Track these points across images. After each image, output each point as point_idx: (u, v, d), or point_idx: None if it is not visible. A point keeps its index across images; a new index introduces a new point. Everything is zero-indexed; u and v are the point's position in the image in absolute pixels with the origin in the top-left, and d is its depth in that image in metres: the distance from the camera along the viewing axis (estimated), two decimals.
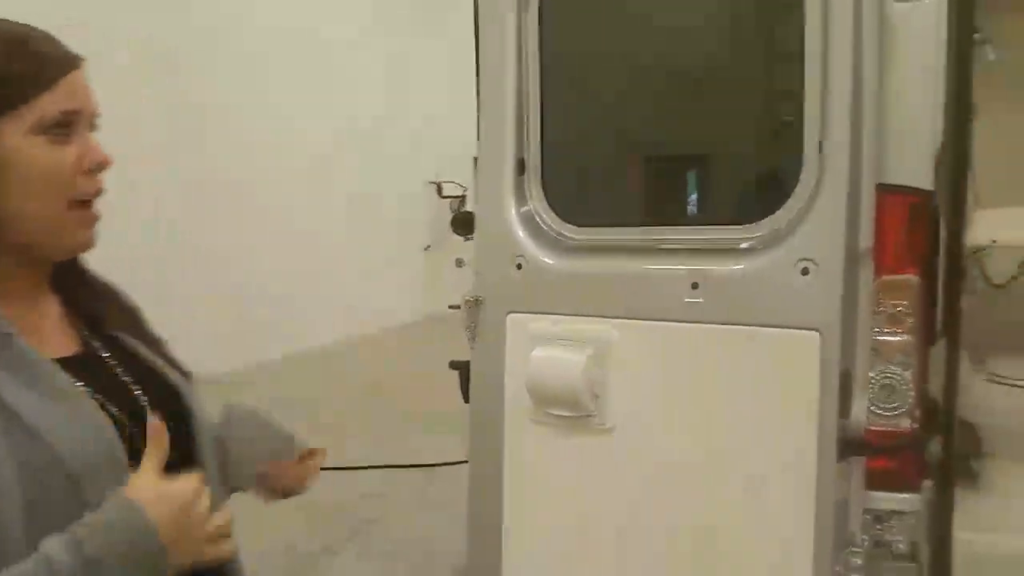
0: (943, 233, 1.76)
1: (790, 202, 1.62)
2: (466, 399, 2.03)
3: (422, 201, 9.07)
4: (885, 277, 1.73)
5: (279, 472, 1.16)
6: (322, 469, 1.20)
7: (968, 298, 2.51)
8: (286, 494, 1.19)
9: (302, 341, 6.93)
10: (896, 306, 1.73)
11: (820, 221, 1.58)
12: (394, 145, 8.49)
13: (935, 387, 1.78)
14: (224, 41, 6.33)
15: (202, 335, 5.16)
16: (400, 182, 8.67)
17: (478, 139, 2.02)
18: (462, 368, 2.01)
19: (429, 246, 9.09)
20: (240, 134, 6.41)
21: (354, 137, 7.85)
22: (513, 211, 1.95)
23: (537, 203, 1.95)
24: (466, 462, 2.04)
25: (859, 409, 1.62)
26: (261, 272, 6.62)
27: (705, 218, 1.80)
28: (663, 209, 1.89)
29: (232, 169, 6.32)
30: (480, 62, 2.03)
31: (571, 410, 1.80)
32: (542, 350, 1.83)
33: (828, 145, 1.57)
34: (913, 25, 1.66)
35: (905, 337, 1.72)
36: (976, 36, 2.49)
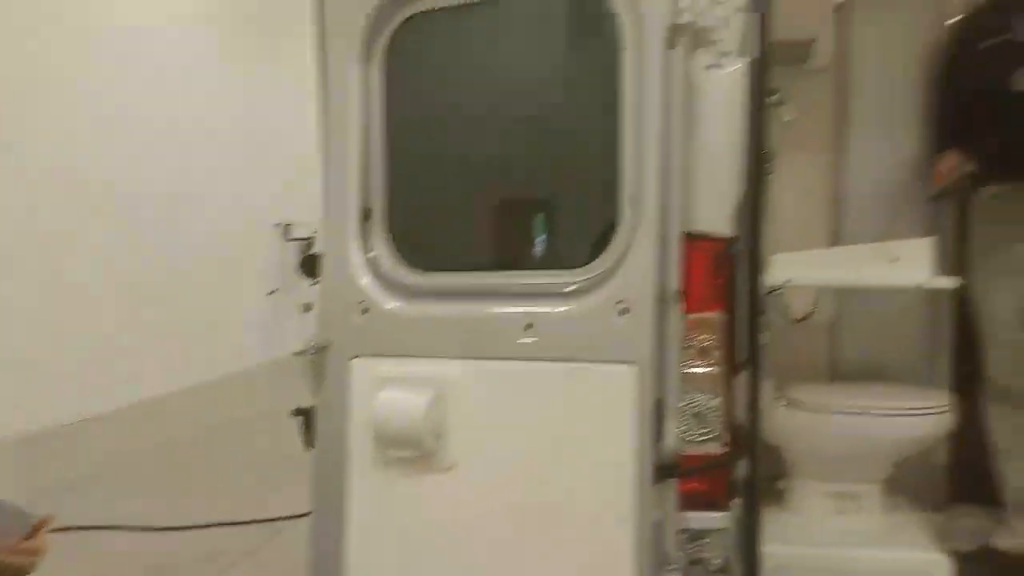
0: (744, 274, 1.99)
1: (610, 249, 1.79)
2: (308, 446, 2.06)
3: (267, 243, 8.86)
4: (694, 315, 1.93)
5: (5, 550, 1.07)
6: (156, 529, 1.13)
7: (769, 332, 2.80)
8: (16, 574, 1.09)
9: (136, 392, 6.58)
10: (704, 341, 1.93)
11: (635, 266, 1.75)
12: (238, 184, 8.27)
13: (741, 413, 1.99)
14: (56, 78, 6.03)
15: (27, 387, 4.83)
16: (244, 222, 8.44)
17: (323, 187, 2.08)
18: (305, 415, 2.04)
19: (275, 290, 8.87)
20: (69, 168, 6.09)
21: (195, 174, 7.58)
22: (358, 257, 2.02)
23: (381, 250, 2.02)
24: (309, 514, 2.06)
25: (672, 435, 1.79)
26: (94, 319, 6.26)
27: (538, 263, 1.94)
28: (500, 255, 2.01)
29: (53, 205, 5.97)
30: (324, 110, 2.10)
31: (414, 450, 1.87)
32: (386, 392, 1.89)
33: (641, 198, 1.74)
34: (717, 90, 1.88)
35: (713, 368, 1.93)
36: (773, 98, 2.82)
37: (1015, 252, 2.44)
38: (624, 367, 1.74)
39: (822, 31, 2.66)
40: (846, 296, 2.85)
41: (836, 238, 2.87)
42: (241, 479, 4.89)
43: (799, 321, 2.88)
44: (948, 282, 2.20)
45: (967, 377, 2.69)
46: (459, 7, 1.92)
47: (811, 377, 2.93)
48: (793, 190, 2.86)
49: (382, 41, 2.01)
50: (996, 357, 2.56)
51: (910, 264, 2.18)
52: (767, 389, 2.46)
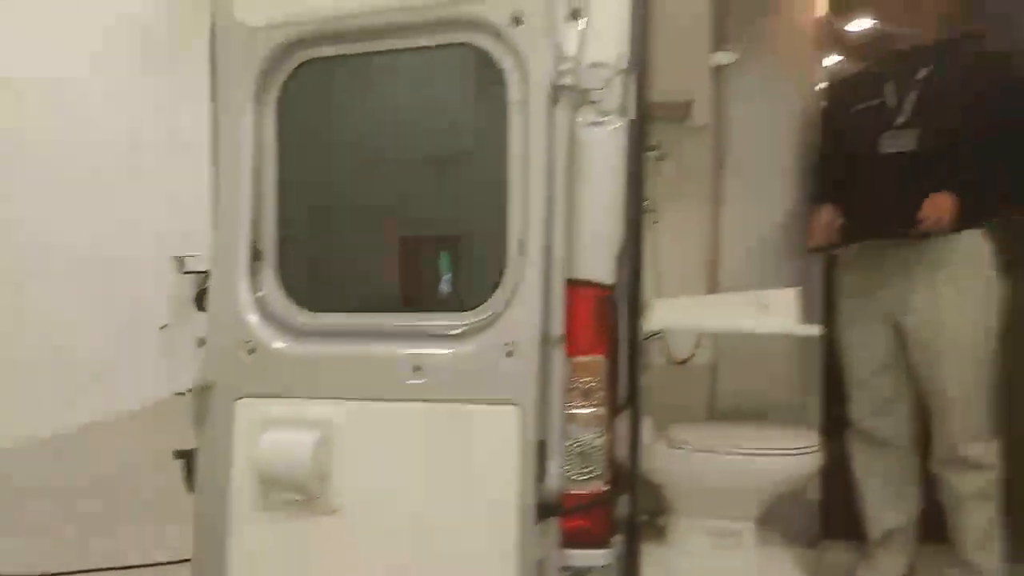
0: (625, 319, 2.09)
1: (497, 293, 1.85)
2: (191, 490, 2.02)
3: (161, 275, 8.57)
4: (577, 358, 2.01)
5: None
6: None
7: (649, 374, 2.93)
8: None
9: (20, 431, 6.21)
10: (587, 383, 2.02)
11: (521, 311, 1.82)
12: (130, 211, 7.97)
13: (622, 452, 2.07)
14: None
15: None
16: (137, 252, 8.14)
17: (213, 225, 2.08)
18: (187, 457, 2.01)
19: (167, 325, 8.58)
20: None
21: (83, 199, 7.28)
22: (246, 296, 2.01)
23: (271, 289, 2.03)
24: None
25: (555, 475, 1.85)
26: None
27: (427, 305, 1.99)
28: (390, 296, 2.05)
29: None
30: (216, 148, 2.10)
31: (299, 493, 1.87)
32: (271, 434, 1.89)
33: (527, 245, 1.82)
34: (598, 146, 1.99)
35: (595, 409, 2.01)
36: (656, 153, 2.99)
37: (875, 302, 2.63)
38: (509, 408, 1.80)
39: (701, 91, 2.84)
40: (725, 340, 3.00)
41: (715, 286, 3.03)
42: (127, 522, 4.69)
43: (681, 363, 3.02)
44: (812, 329, 2.36)
45: (836, 418, 2.87)
46: (355, 55, 1.97)
47: (692, 417, 3.06)
48: (676, 240, 3.02)
49: (277, 83, 2.04)
50: (858, 400, 2.75)
51: (778, 312, 2.33)
52: (649, 428, 2.57)
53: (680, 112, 2.75)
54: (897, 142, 2.51)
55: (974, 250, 2.46)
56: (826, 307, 2.93)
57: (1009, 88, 2.45)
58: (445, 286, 1.98)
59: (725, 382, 3.08)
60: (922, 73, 2.51)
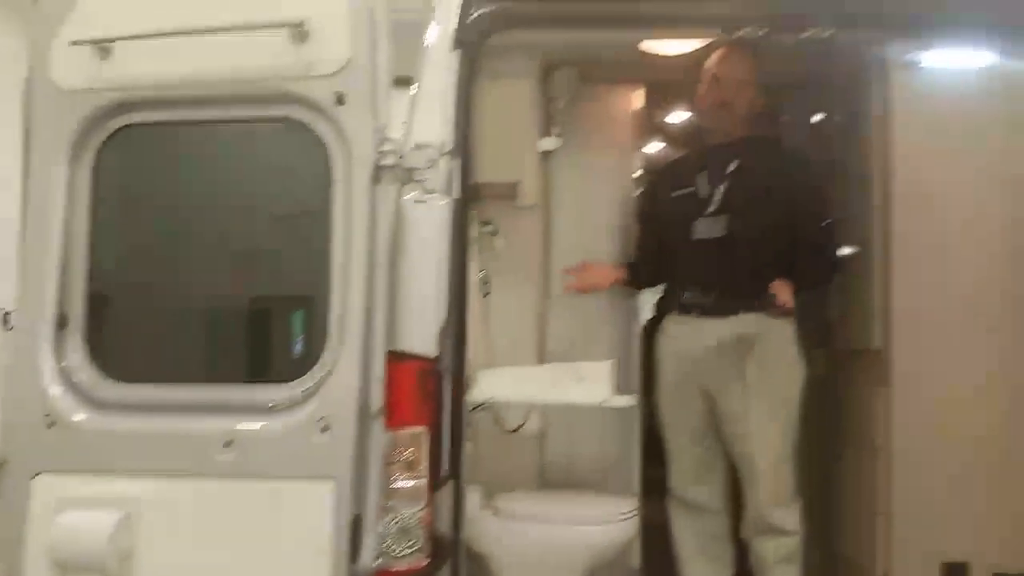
0: (449, 390, 2.13)
1: (316, 367, 1.85)
2: None
3: None
4: (399, 430, 2.02)
5: None
6: None
7: (472, 444, 2.97)
8: None
9: None
10: (410, 455, 2.03)
11: (338, 384, 1.82)
12: None
13: (445, 524, 2.09)
14: None
15: None
16: None
17: (17, 289, 1.97)
18: None
19: None
20: None
21: None
22: (48, 365, 1.91)
23: (77, 358, 1.93)
24: None
25: (371, 551, 1.84)
26: None
27: (241, 377, 1.95)
28: (202, 367, 2.00)
29: None
30: (26, 209, 2.01)
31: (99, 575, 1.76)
32: (68, 515, 1.78)
33: (347, 318, 1.84)
34: (423, 223, 2.04)
35: (417, 482, 2.02)
36: (487, 229, 3.09)
37: (691, 374, 2.81)
38: (323, 484, 1.78)
39: (529, 173, 2.98)
40: (555, 408, 3.10)
41: (543, 356, 3.14)
42: None
43: (512, 432, 3.08)
44: (625, 400, 2.49)
45: (656, 485, 3.01)
46: (178, 122, 1.95)
47: (522, 485, 3.12)
48: (507, 311, 3.12)
49: (93, 146, 1.99)
50: (676, 468, 2.90)
51: (593, 383, 2.44)
52: (477, 498, 2.59)
53: (509, 192, 2.87)
54: (708, 228, 2.73)
55: (780, 329, 2.68)
56: (646, 376, 3.10)
57: (805, 183, 2.74)
58: (230, 366, 1.96)
59: (554, 450, 3.17)
60: (731, 167, 2.75)
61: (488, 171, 2.58)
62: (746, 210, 2.68)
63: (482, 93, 2.56)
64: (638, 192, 3.18)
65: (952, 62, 2.48)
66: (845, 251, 2.74)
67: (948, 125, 2.40)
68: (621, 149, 3.18)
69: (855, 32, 2.34)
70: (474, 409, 2.45)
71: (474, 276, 3.00)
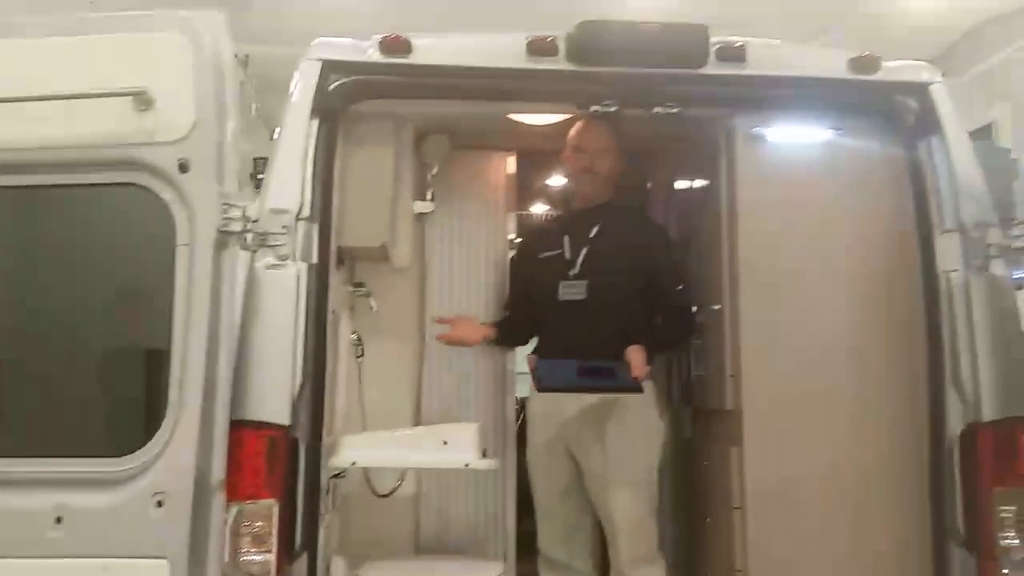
0: (303, 459, 2.09)
1: (154, 439, 1.79)
2: None
3: None
4: (246, 503, 1.97)
5: None
6: None
7: (352, 509, 2.91)
8: None
9: None
10: (259, 528, 1.97)
11: (176, 456, 1.77)
12: None
13: None
14: None
15: None
16: None
17: None
18: None
19: None
20: None
21: None
22: None
23: None
24: None
25: None
26: None
27: (73, 450, 1.87)
28: (31, 439, 1.91)
29: None
30: None
31: None
32: None
33: (185, 387, 1.79)
34: (276, 288, 2.02)
35: (267, 556, 1.96)
36: (361, 290, 3.09)
37: (556, 434, 2.83)
38: (156, 562, 1.72)
39: (403, 236, 3.00)
40: (429, 471, 3.07)
41: (419, 417, 3.12)
42: None
43: (384, 496, 3.03)
44: (489, 463, 2.49)
45: (529, 547, 3.01)
46: (23, 187, 1.89)
47: (397, 551, 3.07)
48: (382, 373, 3.10)
49: None
50: (543, 527, 2.91)
51: (457, 446, 2.44)
52: (339, 570, 2.53)
53: (381, 254, 2.88)
54: (570, 291, 2.81)
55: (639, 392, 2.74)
56: (520, 438, 3.12)
57: (661, 248, 2.86)
58: (62, 439, 1.88)
59: (429, 514, 3.13)
60: (593, 231, 2.84)
61: (359, 234, 2.59)
62: (605, 274, 2.77)
63: (353, 158, 2.60)
64: (511, 254, 3.24)
65: (795, 136, 2.65)
66: (699, 314, 2.85)
67: (789, 195, 2.54)
68: (494, 213, 3.24)
69: (699, 109, 2.47)
70: (335, 476, 2.40)
71: (347, 339, 3.00)
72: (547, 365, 2.68)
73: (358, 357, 3.03)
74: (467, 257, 3.21)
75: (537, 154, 2.91)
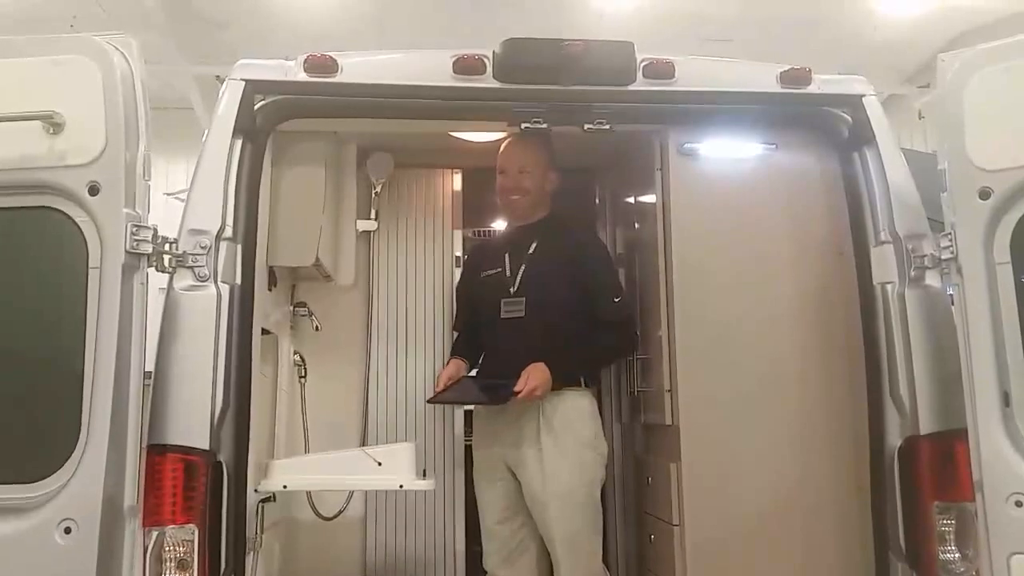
0: (227, 484, 2.05)
1: (63, 466, 1.76)
2: None
3: None
4: (167, 528, 1.94)
5: None
6: None
7: (296, 532, 2.88)
8: None
9: None
10: (180, 554, 1.94)
11: (82, 483, 1.73)
12: None
13: None
14: None
15: None
16: None
17: None
18: None
19: None
20: None
21: None
22: None
23: None
24: None
25: None
26: None
27: None
28: None
29: None
30: None
31: None
32: None
33: (94, 410, 1.76)
34: (195, 309, 2.00)
35: None
36: (302, 310, 3.07)
37: (496, 453, 2.79)
38: None
39: (346, 254, 2.99)
40: (375, 493, 3.04)
41: (365, 439, 3.09)
42: None
43: (330, 519, 3.00)
44: (426, 484, 2.45)
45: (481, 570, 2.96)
46: None
47: (344, 572, 3.03)
48: (326, 394, 3.07)
49: None
50: (488, 548, 2.86)
51: (392, 467, 2.41)
52: None
53: (321, 273, 2.87)
54: (512, 308, 2.78)
55: (575, 408, 2.71)
56: (468, 458, 3.09)
57: (597, 262, 2.84)
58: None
59: (377, 536, 3.09)
60: (531, 248, 2.82)
61: (290, 254, 2.58)
62: (542, 290, 2.75)
63: (284, 177, 2.59)
64: (459, 272, 3.23)
65: (728, 151, 2.65)
66: (642, 327, 2.83)
67: (722, 210, 2.53)
68: (440, 230, 3.23)
69: (629, 125, 2.47)
70: (265, 501, 2.36)
71: (288, 360, 2.97)
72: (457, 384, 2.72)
73: (301, 378, 3.00)
74: (414, 275, 3.20)
75: (484, 171, 2.89)
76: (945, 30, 7.10)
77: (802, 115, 2.50)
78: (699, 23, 7.12)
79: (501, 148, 2.82)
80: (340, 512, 3.00)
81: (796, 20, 7.03)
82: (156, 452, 1.92)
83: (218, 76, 7.25)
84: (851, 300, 2.40)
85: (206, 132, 2.16)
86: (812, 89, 2.45)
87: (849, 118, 2.44)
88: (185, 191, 2.09)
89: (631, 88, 2.33)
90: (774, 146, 2.58)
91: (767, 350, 2.51)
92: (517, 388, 2.55)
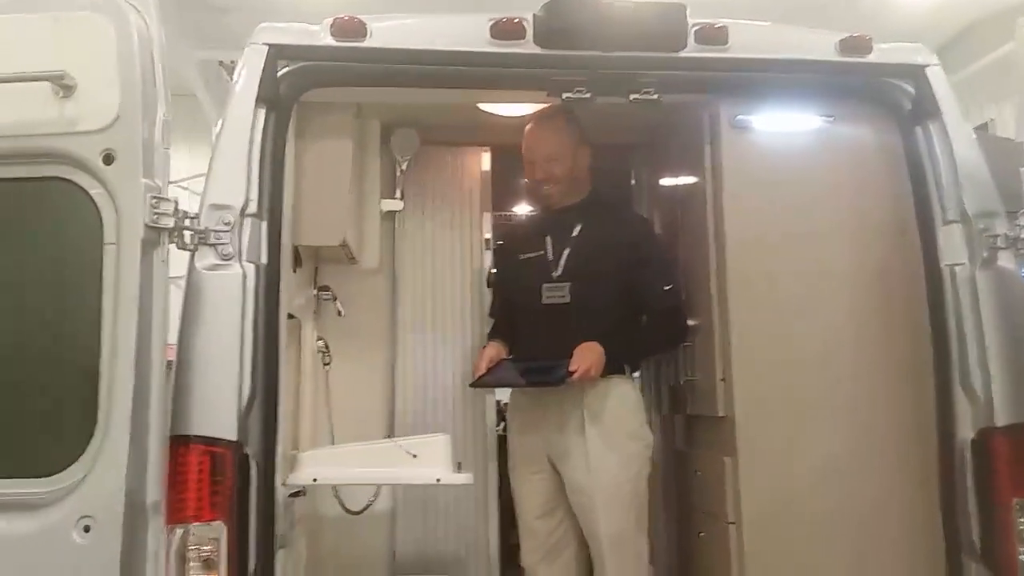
0: (255, 477, 1.92)
1: (80, 458, 1.62)
2: None
3: None
4: (192, 525, 1.80)
5: None
6: None
7: (322, 526, 2.75)
8: None
9: None
10: (206, 553, 1.81)
11: (102, 478, 1.60)
12: None
13: None
14: None
15: None
16: None
17: None
18: None
19: None
20: None
21: None
22: None
23: None
24: None
25: None
26: None
27: None
28: None
29: None
30: None
31: None
32: None
33: (114, 400, 1.62)
34: (218, 290, 1.86)
35: None
36: (328, 293, 2.92)
37: (536, 445, 2.67)
38: None
39: (370, 235, 2.85)
40: (404, 486, 2.90)
41: (392, 427, 2.96)
42: None
43: (358, 513, 2.87)
44: (464, 478, 2.32)
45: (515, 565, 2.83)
46: None
47: (371, 571, 2.90)
48: (351, 381, 2.93)
49: None
50: (526, 544, 2.73)
51: (428, 460, 2.27)
52: None
53: (345, 255, 2.72)
54: (554, 294, 2.63)
55: (621, 397, 2.58)
56: (501, 449, 2.95)
57: (646, 248, 2.68)
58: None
59: (406, 531, 2.96)
60: (576, 230, 2.67)
61: (316, 232, 2.43)
62: (588, 276, 2.60)
63: (309, 151, 2.43)
64: (491, 255, 3.08)
65: (783, 124, 2.49)
66: (689, 314, 2.68)
67: (778, 188, 2.37)
68: (468, 212, 3.08)
69: (679, 95, 2.31)
70: (294, 495, 2.23)
71: (311, 346, 2.83)
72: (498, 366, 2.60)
73: (325, 365, 2.86)
74: (440, 258, 3.06)
75: (514, 149, 2.73)
76: (959, 16, 6.92)
77: (861, 86, 2.33)
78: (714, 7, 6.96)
79: (525, 135, 2.68)
80: (368, 506, 2.86)
81: (808, 5, 6.87)
82: (180, 444, 1.78)
83: (221, 62, 7.12)
84: (914, 283, 2.25)
85: (227, 101, 2.01)
86: (872, 58, 2.29)
87: (912, 90, 2.27)
88: (188, 179, 1.94)
89: (682, 55, 2.17)
90: (831, 118, 2.41)
91: (827, 336, 2.36)
92: (572, 368, 2.41)
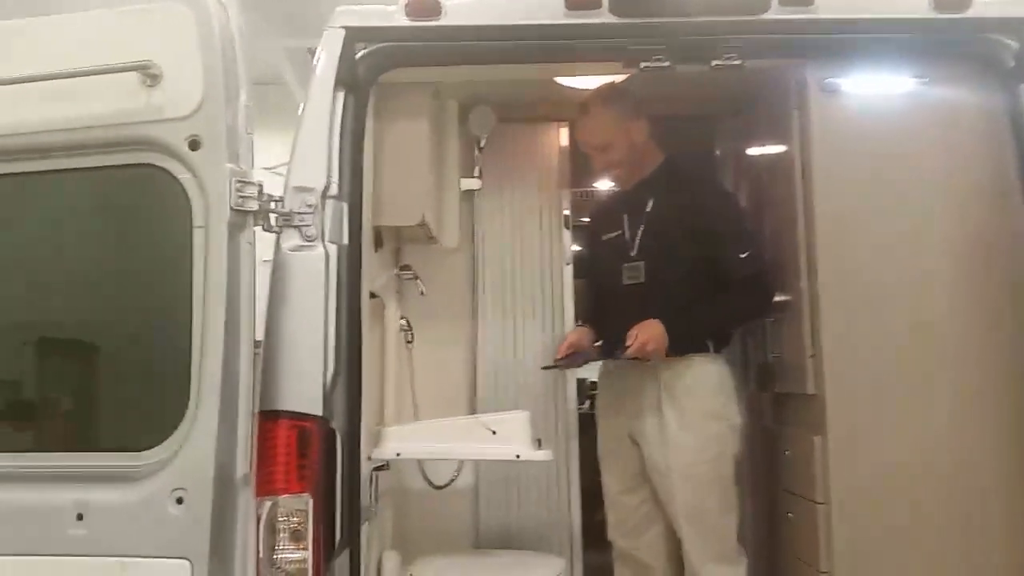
0: (341, 451, 1.97)
1: (173, 434, 1.69)
2: None
3: None
4: (280, 497, 1.86)
5: None
6: None
7: (407, 501, 2.80)
8: None
9: None
10: (293, 524, 1.87)
11: (195, 450, 1.67)
12: None
13: None
14: None
15: None
16: None
17: None
18: None
19: None
20: None
21: None
22: None
23: None
24: None
25: None
26: None
27: (91, 444, 1.80)
28: (48, 434, 1.85)
29: None
30: None
31: None
32: None
33: (204, 376, 1.68)
34: (303, 271, 1.91)
35: (304, 553, 1.85)
36: (409, 273, 2.96)
37: (619, 422, 2.65)
38: (177, 562, 1.62)
39: (450, 215, 2.86)
40: (487, 462, 2.93)
41: (474, 405, 2.98)
42: None
43: (441, 488, 2.91)
44: (544, 454, 2.32)
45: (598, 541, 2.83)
46: (29, 173, 1.82)
47: (456, 545, 2.94)
48: (433, 360, 2.97)
49: None
50: (612, 519, 2.72)
51: (507, 436, 2.29)
52: (392, 565, 2.42)
53: (425, 234, 2.75)
54: (632, 274, 2.60)
55: (700, 375, 2.53)
56: (583, 427, 2.95)
57: (721, 216, 2.60)
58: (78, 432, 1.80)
59: (489, 506, 2.99)
60: (648, 207, 2.62)
61: (396, 212, 2.46)
62: (663, 253, 2.56)
63: (387, 132, 2.45)
64: (569, 233, 3.07)
65: (875, 87, 2.37)
66: (775, 285, 2.59)
67: (871, 155, 2.26)
68: (546, 189, 3.06)
69: (763, 60, 2.22)
70: (378, 469, 2.28)
71: (395, 325, 2.88)
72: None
73: (408, 343, 2.90)
74: (519, 236, 3.05)
75: None
76: None
77: (959, 43, 2.20)
78: None
79: (576, 128, 2.69)
80: (451, 481, 2.91)
81: None
82: (268, 419, 1.84)
83: (310, 49, 7.21)
84: (1018, 253, 2.13)
85: (308, 85, 2.04)
86: (971, 13, 2.14)
87: (1015, 45, 2.12)
88: (281, 165, 1.98)
89: (765, 17, 2.08)
90: (926, 80, 2.29)
91: (922, 310, 2.25)
92: (628, 343, 2.39)
